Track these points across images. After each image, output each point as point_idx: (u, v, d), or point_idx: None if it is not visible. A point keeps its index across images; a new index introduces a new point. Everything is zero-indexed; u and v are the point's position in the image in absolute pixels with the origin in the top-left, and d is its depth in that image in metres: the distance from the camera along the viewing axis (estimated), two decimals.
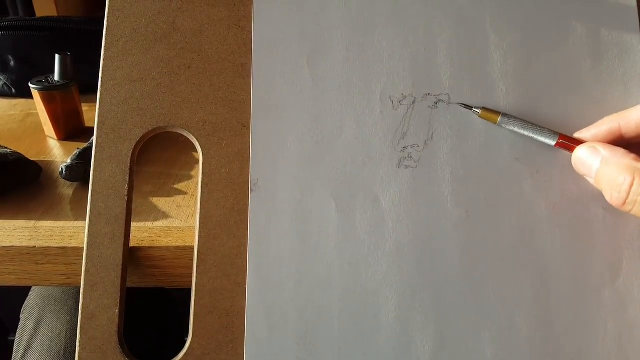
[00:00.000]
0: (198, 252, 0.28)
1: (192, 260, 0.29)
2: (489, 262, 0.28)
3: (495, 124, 0.28)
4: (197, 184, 0.36)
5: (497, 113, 0.28)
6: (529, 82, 0.30)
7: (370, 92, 0.30)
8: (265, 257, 0.28)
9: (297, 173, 0.29)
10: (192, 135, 0.29)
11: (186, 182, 0.39)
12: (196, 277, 0.28)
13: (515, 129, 0.28)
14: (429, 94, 0.29)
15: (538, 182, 0.29)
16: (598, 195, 0.29)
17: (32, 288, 0.53)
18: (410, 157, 0.29)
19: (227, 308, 0.28)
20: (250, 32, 0.30)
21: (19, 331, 0.49)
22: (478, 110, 0.28)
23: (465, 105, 0.29)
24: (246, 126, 0.29)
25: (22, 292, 0.54)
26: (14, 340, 0.49)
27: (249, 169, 0.29)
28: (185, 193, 0.38)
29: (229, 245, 0.29)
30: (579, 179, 0.29)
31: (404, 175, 0.29)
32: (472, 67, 0.30)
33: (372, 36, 0.30)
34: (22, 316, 0.50)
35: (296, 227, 0.28)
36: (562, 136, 0.28)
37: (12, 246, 0.32)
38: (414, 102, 0.29)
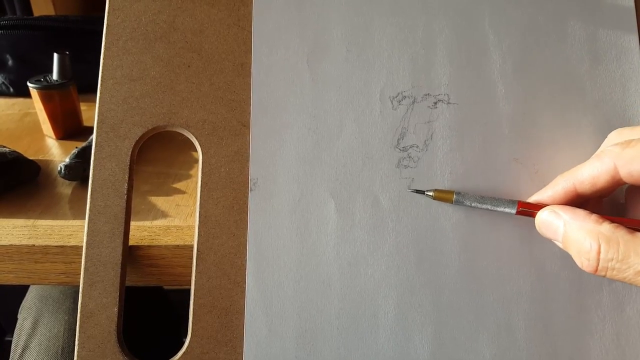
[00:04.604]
0: (197, 251, 0.28)
1: (191, 259, 0.29)
2: (487, 262, 0.28)
3: (451, 203, 0.28)
4: (196, 183, 0.36)
5: (451, 192, 0.28)
6: (528, 83, 0.30)
7: (370, 92, 0.30)
8: (265, 256, 0.28)
9: (296, 172, 0.29)
10: (191, 135, 0.29)
11: (185, 182, 0.39)
12: (195, 276, 0.28)
13: (472, 204, 0.28)
14: (428, 94, 0.30)
15: (537, 183, 0.29)
16: None
17: (30, 288, 0.53)
18: (410, 157, 0.29)
19: (226, 307, 0.28)
20: (250, 31, 0.30)
21: (16, 331, 0.49)
22: (431, 193, 0.28)
23: (417, 190, 0.28)
24: (246, 125, 0.29)
25: (19, 292, 0.53)
26: (11, 340, 0.48)
27: (248, 168, 0.29)
28: (184, 192, 0.38)
29: (228, 245, 0.29)
30: None
31: (404, 175, 0.29)
32: (472, 67, 0.30)
33: (371, 36, 0.30)
34: (19, 316, 0.50)
35: (296, 226, 0.29)
36: (521, 203, 0.27)
37: (12, 245, 0.32)
38: (413, 102, 0.29)
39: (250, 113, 0.29)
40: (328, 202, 0.29)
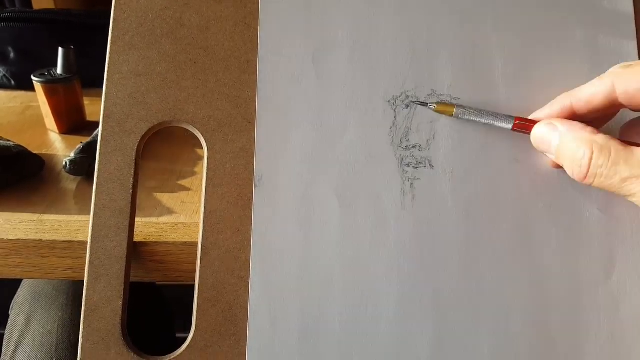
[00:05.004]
0: (202, 246, 0.29)
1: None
2: (487, 260, 0.29)
3: (452, 116, 0.29)
4: (201, 180, 0.37)
5: (452, 105, 0.29)
6: (529, 86, 0.30)
7: (374, 91, 0.30)
8: (269, 252, 0.29)
9: (300, 170, 0.29)
10: (197, 131, 0.30)
11: (190, 178, 0.39)
12: (200, 271, 0.29)
13: (472, 118, 0.29)
14: (431, 94, 0.30)
15: (536, 183, 0.29)
16: (593, 197, 0.29)
17: (22, 284, 0.52)
18: (413, 156, 0.29)
19: (230, 301, 0.29)
20: (256, 29, 0.30)
21: (8, 327, 0.48)
22: (433, 106, 0.29)
23: (420, 102, 0.30)
24: (251, 122, 0.30)
25: (10, 289, 0.52)
26: (3, 334, 0.48)
27: (253, 164, 0.29)
28: (189, 189, 0.38)
29: (232, 240, 0.29)
30: (575, 180, 0.29)
31: (406, 174, 0.29)
32: (474, 68, 0.30)
33: (376, 36, 0.30)
34: (11, 312, 0.49)
35: (299, 223, 0.29)
36: (518, 118, 0.28)
37: (19, 239, 0.32)
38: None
39: (255, 110, 0.30)
40: (331, 200, 0.29)
